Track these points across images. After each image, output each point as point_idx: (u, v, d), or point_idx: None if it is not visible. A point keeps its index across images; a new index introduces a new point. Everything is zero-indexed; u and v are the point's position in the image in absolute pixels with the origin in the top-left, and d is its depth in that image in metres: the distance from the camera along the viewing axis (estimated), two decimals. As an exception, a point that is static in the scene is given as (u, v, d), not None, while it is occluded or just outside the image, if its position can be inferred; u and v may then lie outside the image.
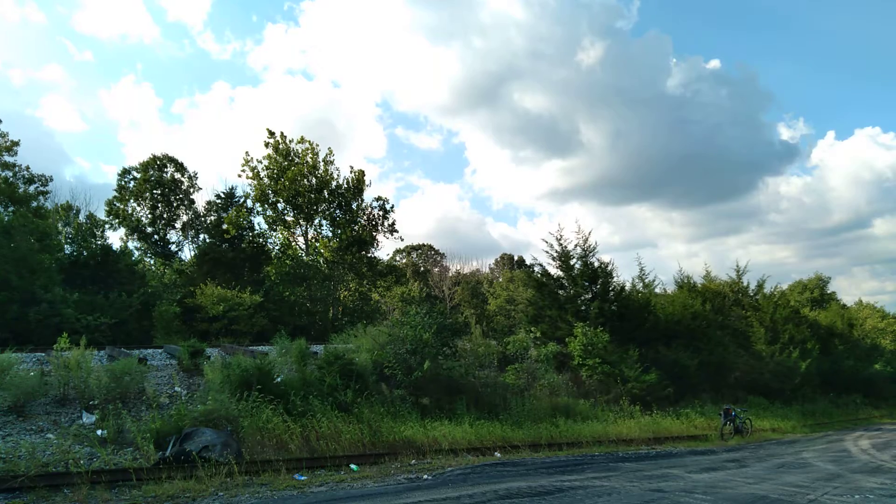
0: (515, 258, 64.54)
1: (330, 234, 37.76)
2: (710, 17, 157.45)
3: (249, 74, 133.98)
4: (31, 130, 65.01)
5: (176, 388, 11.74)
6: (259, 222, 38.96)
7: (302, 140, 36.95)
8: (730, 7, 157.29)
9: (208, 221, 41.03)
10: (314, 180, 36.79)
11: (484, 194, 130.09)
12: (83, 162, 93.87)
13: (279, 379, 11.67)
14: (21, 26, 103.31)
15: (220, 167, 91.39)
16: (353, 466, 9.74)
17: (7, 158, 29.55)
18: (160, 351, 15.00)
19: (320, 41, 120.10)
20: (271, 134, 35.97)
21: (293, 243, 37.33)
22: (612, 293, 21.93)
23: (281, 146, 36.33)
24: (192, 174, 43.36)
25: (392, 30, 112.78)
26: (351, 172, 38.91)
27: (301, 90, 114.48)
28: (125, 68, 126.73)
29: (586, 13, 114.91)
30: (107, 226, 39.54)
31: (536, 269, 27.46)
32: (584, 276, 21.75)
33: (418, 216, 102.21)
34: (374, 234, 39.46)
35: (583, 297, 21.08)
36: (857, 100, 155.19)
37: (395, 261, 52.86)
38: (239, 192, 42.52)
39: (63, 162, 68.37)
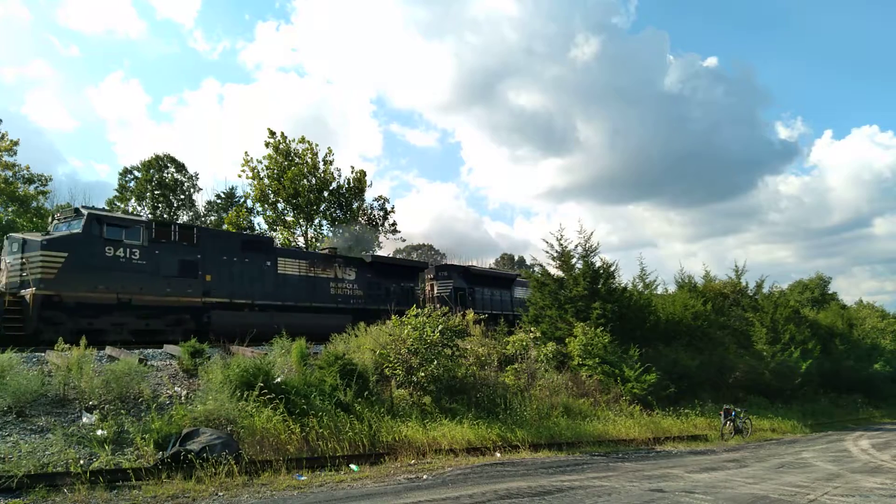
0: (516, 258, 64.59)
1: (330, 235, 37.76)
2: (706, 15, 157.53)
3: (241, 72, 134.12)
4: (21, 129, 64.69)
5: (176, 389, 11.73)
6: (259, 222, 38.97)
7: (302, 140, 36.95)
8: (726, 4, 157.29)
9: (208, 221, 41.05)
10: (314, 180, 36.78)
11: (480, 193, 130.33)
12: (76, 161, 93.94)
13: (279, 379, 11.65)
14: (4, 22, 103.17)
15: (212, 165, 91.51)
16: (353, 466, 9.74)
17: (7, 158, 29.54)
18: (160, 351, 14.97)
19: (313, 38, 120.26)
20: (272, 134, 35.95)
21: (293, 243, 37.34)
22: (614, 293, 21.90)
23: (281, 146, 36.31)
24: (192, 174, 43.42)
25: (385, 26, 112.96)
26: (352, 173, 38.94)
27: (294, 88, 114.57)
28: (112, 64, 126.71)
29: (580, 9, 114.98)
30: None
31: (536, 269, 27.46)
32: (586, 275, 21.72)
33: (414, 215, 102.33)
34: (376, 234, 39.46)
35: (583, 297, 21.02)
36: (854, 98, 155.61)
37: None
38: (238, 192, 42.48)
39: (55, 160, 67.94)
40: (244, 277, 18.68)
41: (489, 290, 29.90)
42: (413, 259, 34.34)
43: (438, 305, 25.48)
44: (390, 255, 36.04)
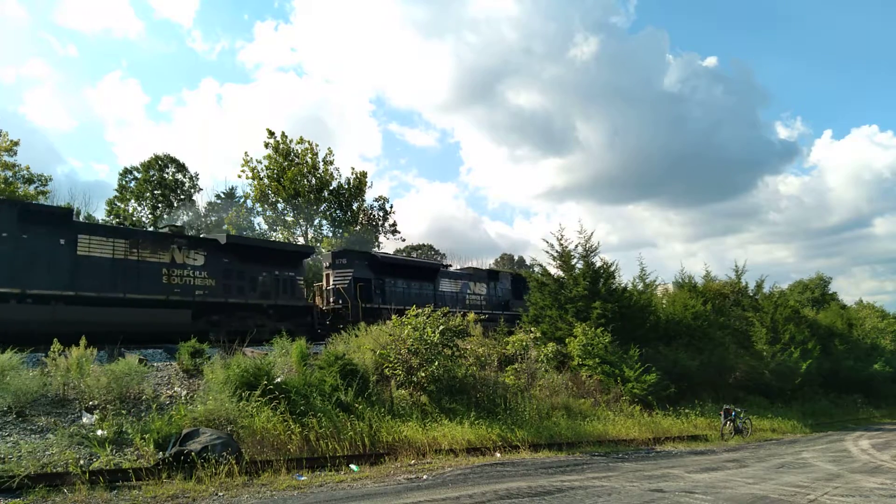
0: (516, 258, 64.61)
1: (330, 235, 37.81)
2: (705, 15, 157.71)
3: (239, 72, 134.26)
4: (19, 128, 64.50)
5: (176, 389, 11.74)
6: (259, 223, 38.99)
7: (301, 140, 36.96)
8: (725, 4, 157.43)
9: (209, 222, 41.01)
10: (314, 180, 36.79)
11: (480, 193, 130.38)
12: (75, 161, 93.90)
13: (279, 379, 11.65)
14: (2, 21, 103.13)
15: (211, 165, 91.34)
16: (353, 466, 9.75)
17: (7, 158, 29.56)
18: (160, 351, 14.97)
19: (312, 38, 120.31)
20: (271, 134, 35.98)
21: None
22: (614, 293, 21.90)
23: (281, 146, 36.31)
24: (193, 174, 43.44)
25: (384, 25, 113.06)
26: (352, 174, 38.96)
27: (293, 87, 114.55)
28: (111, 64, 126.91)
29: (580, 9, 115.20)
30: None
31: (536, 269, 27.41)
32: (586, 276, 21.72)
33: (414, 215, 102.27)
34: (376, 234, 39.52)
35: (583, 297, 21.02)
36: (854, 98, 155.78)
37: (396, 261, 52.82)
38: (238, 192, 42.41)
39: (54, 160, 67.73)
40: (17, 259, 14.21)
41: (404, 282, 26.12)
42: (302, 243, 29.55)
43: (333, 299, 22.96)
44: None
